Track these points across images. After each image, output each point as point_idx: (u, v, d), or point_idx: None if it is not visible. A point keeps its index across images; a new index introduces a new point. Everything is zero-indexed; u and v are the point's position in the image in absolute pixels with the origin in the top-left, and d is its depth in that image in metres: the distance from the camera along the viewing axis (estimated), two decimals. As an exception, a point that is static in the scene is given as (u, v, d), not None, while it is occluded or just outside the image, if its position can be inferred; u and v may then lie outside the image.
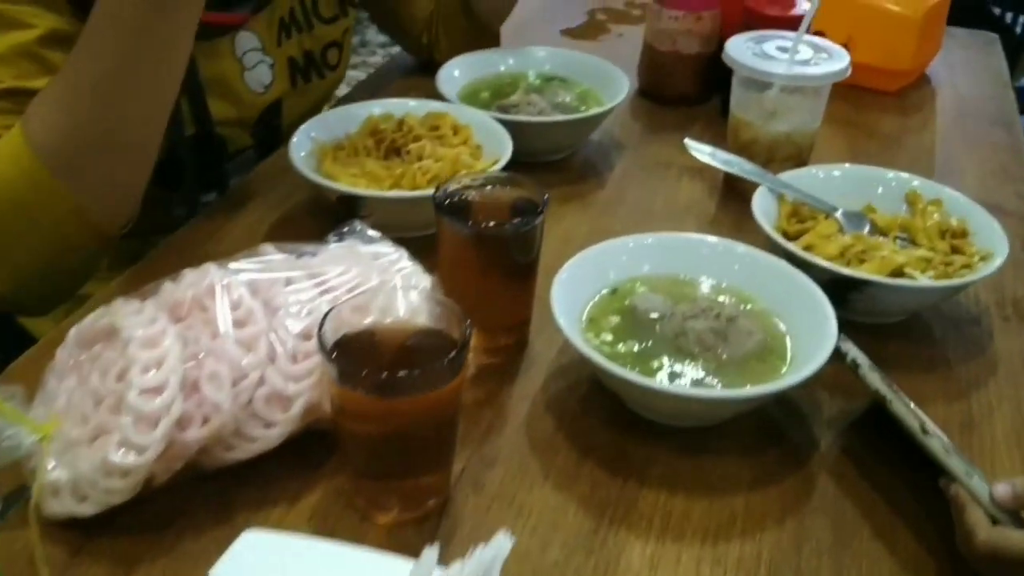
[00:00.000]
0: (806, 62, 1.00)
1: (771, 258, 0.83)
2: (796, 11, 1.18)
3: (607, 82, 1.18)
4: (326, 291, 0.72)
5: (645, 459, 0.73)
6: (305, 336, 0.69)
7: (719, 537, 0.68)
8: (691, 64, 1.26)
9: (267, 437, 0.68)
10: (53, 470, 0.63)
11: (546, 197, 0.79)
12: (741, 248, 0.85)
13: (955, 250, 0.90)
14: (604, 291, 0.83)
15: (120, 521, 0.65)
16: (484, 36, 1.32)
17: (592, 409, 0.78)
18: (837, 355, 0.73)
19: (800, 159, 1.05)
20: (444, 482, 0.69)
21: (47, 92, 0.82)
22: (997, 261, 0.85)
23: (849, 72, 0.99)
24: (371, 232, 0.80)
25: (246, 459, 0.67)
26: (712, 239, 0.87)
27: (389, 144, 1.02)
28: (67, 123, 0.81)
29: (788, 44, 1.02)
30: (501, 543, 0.60)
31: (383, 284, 0.74)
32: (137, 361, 0.64)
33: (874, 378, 0.71)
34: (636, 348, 0.78)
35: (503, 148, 1.00)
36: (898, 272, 0.85)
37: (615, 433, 0.76)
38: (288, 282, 0.72)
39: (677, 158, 1.16)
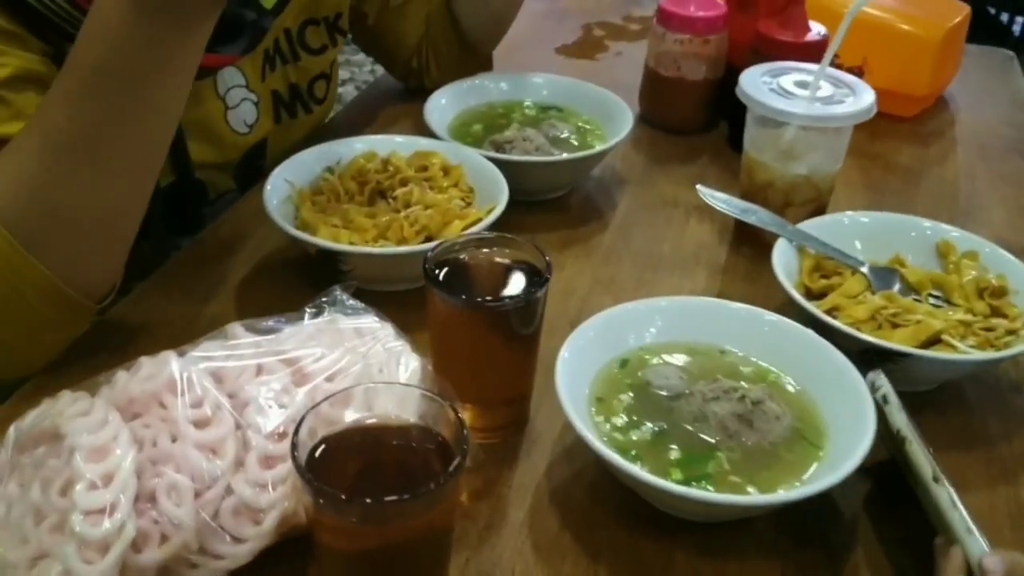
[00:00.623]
0: (828, 99, 0.92)
1: (800, 329, 0.75)
2: (811, 37, 1.09)
3: (608, 113, 1.09)
4: (303, 378, 0.64)
5: (664, 563, 0.65)
6: (278, 435, 0.61)
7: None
8: (697, 91, 1.18)
9: (236, 554, 0.59)
10: (-15, 603, 0.55)
11: (548, 262, 0.71)
12: (766, 316, 0.77)
13: (995, 311, 0.82)
14: (613, 362, 0.75)
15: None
16: (475, 60, 1.23)
17: (601, 499, 0.70)
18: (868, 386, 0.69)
19: (819, 202, 0.97)
20: (437, 601, 0.61)
21: (10, 153, 0.71)
22: (1045, 327, 0.77)
23: (875, 111, 0.91)
24: (352, 302, 0.72)
25: (212, 581, 0.59)
26: (733, 306, 0.79)
27: (373, 187, 0.93)
28: (34, 192, 0.70)
29: (808, 78, 0.94)
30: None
31: (367, 369, 0.65)
32: (83, 475, 0.55)
33: (899, 418, 0.66)
34: (650, 433, 0.70)
35: (498, 192, 0.91)
36: (934, 339, 0.78)
37: (628, 529, 0.68)
38: (259, 370, 0.64)
39: (683, 195, 1.08)
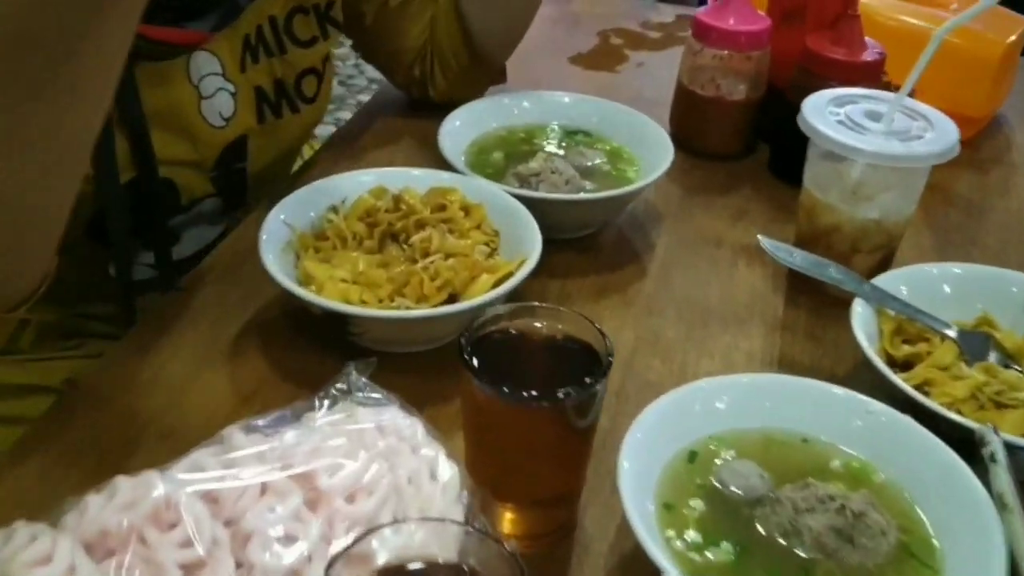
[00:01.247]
0: (905, 134, 0.81)
1: (905, 421, 0.64)
2: (867, 56, 0.98)
3: (641, 138, 0.98)
4: (317, 499, 0.52)
5: None
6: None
7: None
8: (737, 112, 1.06)
9: None
10: None
11: (609, 343, 0.59)
12: (857, 399, 0.66)
13: (1110, 387, 0.71)
14: (680, 456, 0.63)
15: None
16: (487, 71, 1.11)
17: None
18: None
19: (889, 249, 0.85)
20: None
21: None
22: None
23: (958, 150, 0.80)
24: (372, 391, 0.60)
25: None
26: (815, 386, 0.67)
27: (384, 230, 0.81)
28: None
29: (879, 108, 0.83)
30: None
31: (394, 482, 0.53)
32: (42, 650, 0.43)
33: (1004, 481, 0.59)
34: (731, 554, 0.58)
35: (527, 236, 0.80)
36: (1046, 422, 0.67)
37: (705, 667, 0.56)
38: (264, 489, 0.52)
39: (727, 233, 0.96)
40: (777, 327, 0.84)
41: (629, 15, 1.46)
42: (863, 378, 0.78)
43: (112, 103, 0.61)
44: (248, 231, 0.90)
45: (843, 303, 0.83)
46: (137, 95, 0.81)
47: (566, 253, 0.90)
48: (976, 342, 0.74)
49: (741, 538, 0.59)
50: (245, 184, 0.97)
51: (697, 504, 0.61)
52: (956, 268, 0.80)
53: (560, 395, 0.56)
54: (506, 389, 0.56)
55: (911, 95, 0.83)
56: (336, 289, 0.74)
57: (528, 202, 0.84)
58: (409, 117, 1.13)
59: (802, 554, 0.58)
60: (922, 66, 0.79)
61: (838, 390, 0.67)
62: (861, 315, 0.74)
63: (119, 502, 0.49)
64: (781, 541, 0.59)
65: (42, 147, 0.59)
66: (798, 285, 0.88)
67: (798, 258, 0.77)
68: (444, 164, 0.90)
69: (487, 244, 0.82)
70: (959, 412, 0.68)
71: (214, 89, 0.89)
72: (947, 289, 0.79)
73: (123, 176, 0.82)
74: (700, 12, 1.05)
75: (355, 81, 3.29)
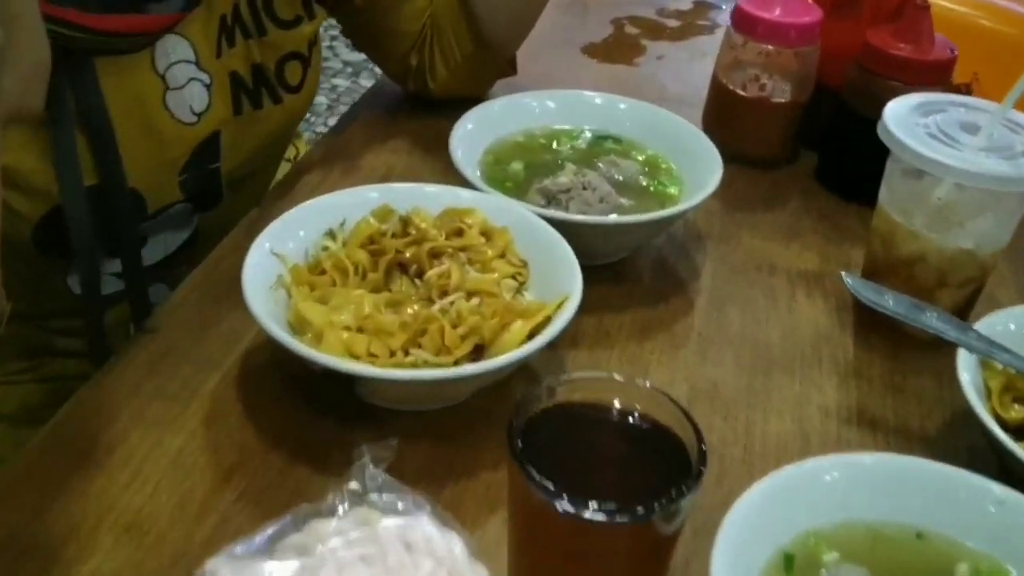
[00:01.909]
0: (1008, 150, 0.68)
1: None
2: (937, 55, 0.86)
3: (682, 146, 0.85)
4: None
5: None
6: None
7: None
8: (783, 115, 0.94)
9: None
10: None
11: (703, 443, 0.46)
12: (986, 488, 0.54)
13: None
14: (775, 560, 0.51)
15: None
16: (494, 62, 0.97)
17: None
18: None
19: (980, 283, 0.73)
20: None
21: None
22: None
23: (1072, 169, 0.68)
24: (397, 497, 0.47)
25: None
26: (933, 468, 0.55)
27: (391, 259, 0.68)
28: None
29: (974, 119, 0.71)
30: None
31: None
32: None
33: None
34: None
35: (562, 269, 0.67)
36: None
37: None
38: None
39: (780, 256, 0.84)
40: (850, 374, 0.72)
41: (643, 1, 1.32)
42: (957, 440, 0.67)
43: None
44: (227, 255, 0.77)
45: (922, 343, 0.71)
46: (98, 93, 0.68)
47: (600, 283, 0.77)
48: (1102, 403, 0.62)
49: (863, 676, 0.47)
50: (219, 186, 0.84)
51: (803, 627, 0.49)
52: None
53: (641, 511, 0.43)
54: (571, 501, 0.43)
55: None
56: (338, 339, 0.60)
57: (559, 225, 0.71)
58: (410, 115, 0.99)
59: None
60: (1037, 70, 0.67)
61: (958, 473, 0.55)
62: (969, 372, 0.62)
63: None
64: None
65: None
66: (866, 320, 0.76)
67: (891, 301, 0.65)
68: (453, 173, 0.77)
69: (514, 277, 0.69)
70: (1097, 494, 0.57)
71: (185, 79, 0.75)
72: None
73: (87, 179, 0.71)
74: (742, 0, 0.92)
75: (329, 64, 3.12)
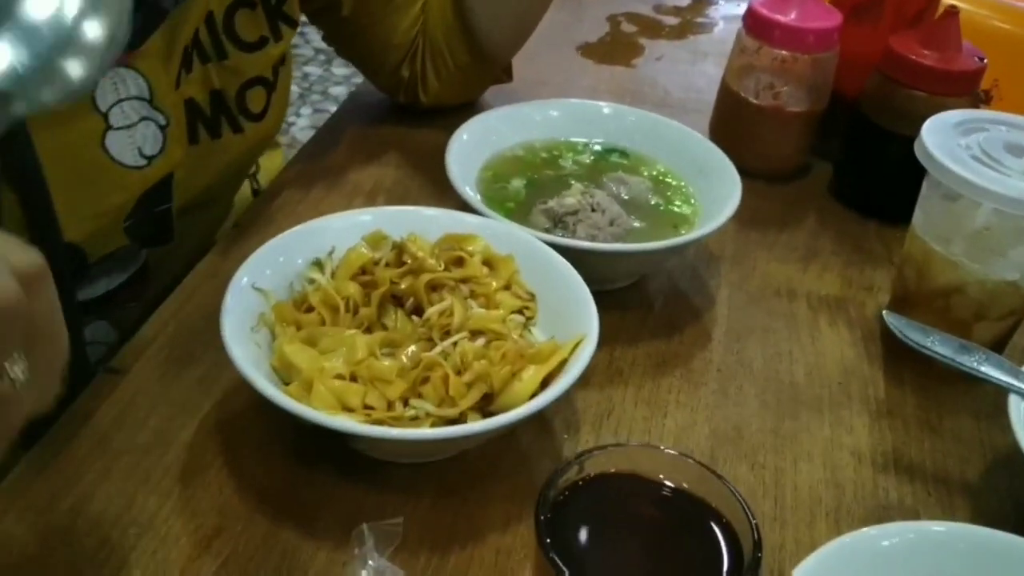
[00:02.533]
0: (1056, 174, 0.63)
1: None
2: (964, 64, 0.80)
3: (694, 161, 0.79)
4: None
5: None
6: None
7: None
8: (798, 125, 0.88)
9: None
10: None
11: (756, 531, 0.40)
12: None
13: None
14: (823, 648, 0.46)
15: None
16: (490, 72, 0.91)
17: None
18: None
19: (1021, 316, 0.68)
20: None
21: None
22: None
23: None
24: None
25: None
26: (991, 537, 0.49)
27: (385, 292, 0.61)
28: None
29: (1023, 140, 0.65)
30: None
31: None
32: None
33: None
34: None
35: (574, 304, 0.61)
36: None
37: None
38: None
39: (799, 280, 0.79)
40: (883, 414, 0.67)
41: (639, -3, 1.26)
42: (1001, 489, 0.62)
43: None
44: (201, 283, 0.70)
45: (954, 378, 0.66)
46: (28, 137, 0.58)
47: (609, 311, 0.71)
48: None
49: None
50: (170, 226, 0.73)
51: None
52: None
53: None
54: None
55: None
56: (329, 389, 0.54)
57: (566, 251, 0.65)
58: (398, 123, 0.92)
59: None
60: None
61: (1015, 541, 0.49)
62: (1020, 417, 0.56)
63: None
64: None
65: None
66: (895, 350, 0.71)
67: (937, 343, 0.60)
68: (447, 188, 0.71)
69: (521, 311, 0.63)
70: None
71: (135, 118, 0.66)
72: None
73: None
74: (756, 1, 0.86)
75: (300, 51, 3.03)
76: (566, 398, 0.64)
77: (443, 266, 0.63)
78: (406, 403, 0.55)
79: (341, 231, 0.65)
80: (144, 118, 0.66)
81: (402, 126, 0.91)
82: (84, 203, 0.65)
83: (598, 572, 0.39)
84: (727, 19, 1.24)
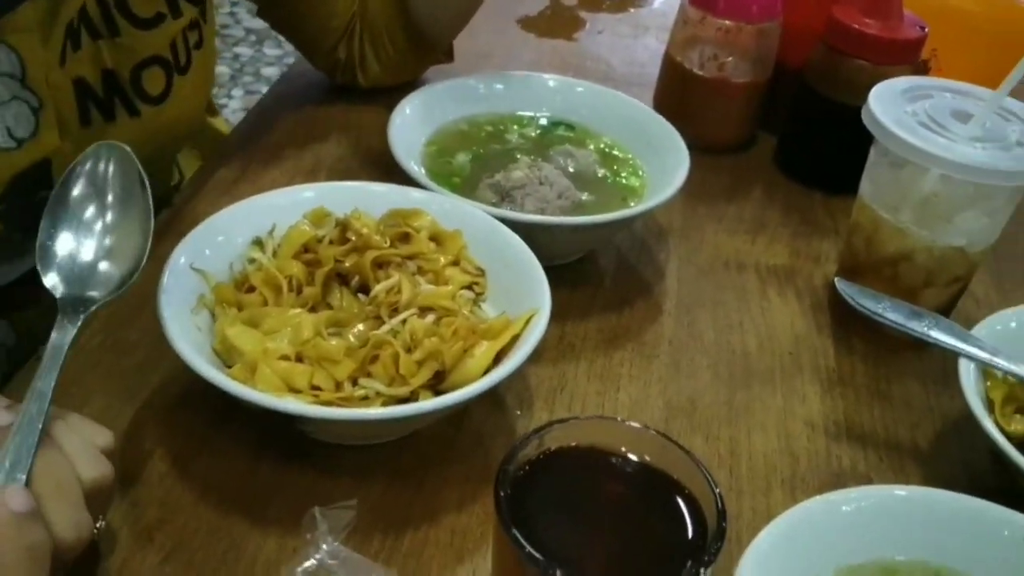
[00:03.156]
0: (1003, 140, 0.63)
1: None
2: (907, 33, 0.81)
3: (641, 133, 0.78)
4: None
5: None
6: None
7: None
8: (743, 97, 0.88)
9: None
10: None
11: (720, 502, 0.39)
12: (1006, 518, 0.48)
13: None
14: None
15: None
16: (430, 54, 0.89)
17: None
18: None
19: (967, 281, 0.69)
20: None
21: None
22: None
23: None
24: (360, 572, 0.39)
25: None
26: (945, 498, 0.49)
27: (330, 271, 0.60)
28: None
29: (969, 107, 0.65)
30: None
31: None
32: None
33: None
34: None
35: (525, 278, 0.60)
36: None
37: None
38: None
39: (748, 252, 0.78)
40: (834, 382, 0.67)
41: (577, -30, 1.25)
42: (952, 453, 0.62)
43: None
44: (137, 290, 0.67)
45: (904, 343, 0.66)
46: None
47: (558, 288, 0.69)
48: (1109, 412, 0.58)
49: None
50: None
51: None
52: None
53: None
54: (565, 563, 0.36)
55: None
56: (274, 371, 0.52)
57: (514, 226, 0.63)
58: (339, 97, 0.90)
59: None
60: (1035, 56, 0.62)
61: (973, 503, 0.49)
62: (973, 382, 0.57)
63: None
64: None
65: None
66: (844, 319, 0.71)
67: (888, 310, 0.60)
68: (390, 164, 0.69)
69: (471, 287, 0.61)
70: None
71: (6, 96, 0.61)
72: None
73: None
74: (698, -28, 0.85)
75: (230, 31, 2.96)
76: (519, 374, 0.63)
77: (389, 243, 0.62)
78: (355, 383, 0.53)
79: (282, 208, 0.62)
80: (15, 97, 0.62)
81: (341, 104, 0.89)
82: None
83: (560, 547, 0.38)
84: (669, -7, 1.23)
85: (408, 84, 0.88)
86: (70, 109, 0.66)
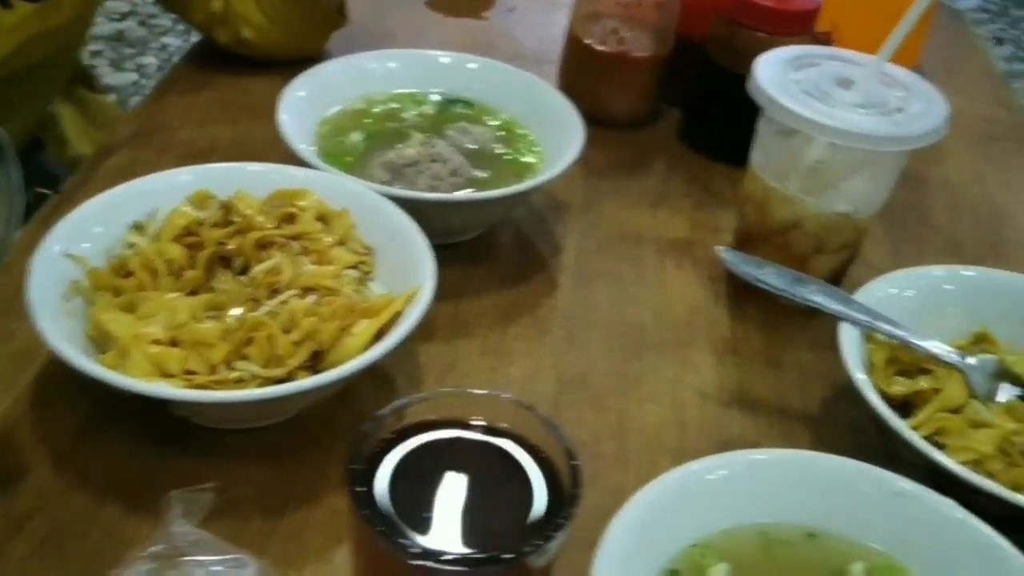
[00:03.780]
0: (884, 106, 0.64)
1: (945, 507, 0.48)
2: (802, 4, 0.81)
3: (538, 108, 0.78)
4: None
5: None
6: None
7: None
8: (644, 71, 0.88)
9: None
10: None
11: (576, 464, 0.39)
12: (880, 479, 0.49)
13: None
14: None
15: None
16: (322, 11, 0.86)
17: None
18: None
19: (856, 247, 0.70)
20: None
21: None
22: None
23: (947, 130, 0.64)
24: (213, 555, 0.39)
25: None
26: (821, 461, 0.50)
27: (212, 253, 0.59)
28: None
29: (852, 74, 0.66)
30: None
31: None
32: None
33: None
34: None
35: (412, 255, 0.59)
36: (1093, 480, 0.53)
37: None
38: None
39: (647, 225, 0.79)
40: (727, 351, 0.67)
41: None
42: (840, 418, 0.63)
43: None
44: (18, 258, 0.66)
45: (798, 312, 0.67)
46: None
47: (454, 265, 0.70)
48: (987, 372, 0.59)
49: None
50: None
51: (695, 659, 0.43)
52: (967, 271, 0.65)
53: (508, 557, 0.36)
54: (423, 551, 0.36)
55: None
56: (147, 356, 0.51)
57: (406, 204, 0.63)
58: (237, 82, 0.89)
59: None
60: (911, 21, 0.63)
61: (849, 465, 0.50)
62: (854, 346, 0.58)
63: None
64: None
65: None
66: (741, 289, 0.71)
67: (771, 276, 0.60)
68: (286, 151, 0.68)
69: (358, 267, 0.61)
70: (987, 473, 0.54)
71: None
72: (938, 298, 0.64)
73: None
74: (596, -54, 0.85)
75: (158, 21, 2.90)
76: (408, 354, 0.63)
77: (274, 223, 0.61)
78: (231, 366, 0.53)
79: (161, 192, 0.61)
80: None
81: (242, 85, 0.88)
82: None
83: (416, 521, 0.37)
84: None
85: (308, 62, 0.87)
86: None
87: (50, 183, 0.81)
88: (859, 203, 0.66)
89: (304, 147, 0.68)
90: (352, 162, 0.71)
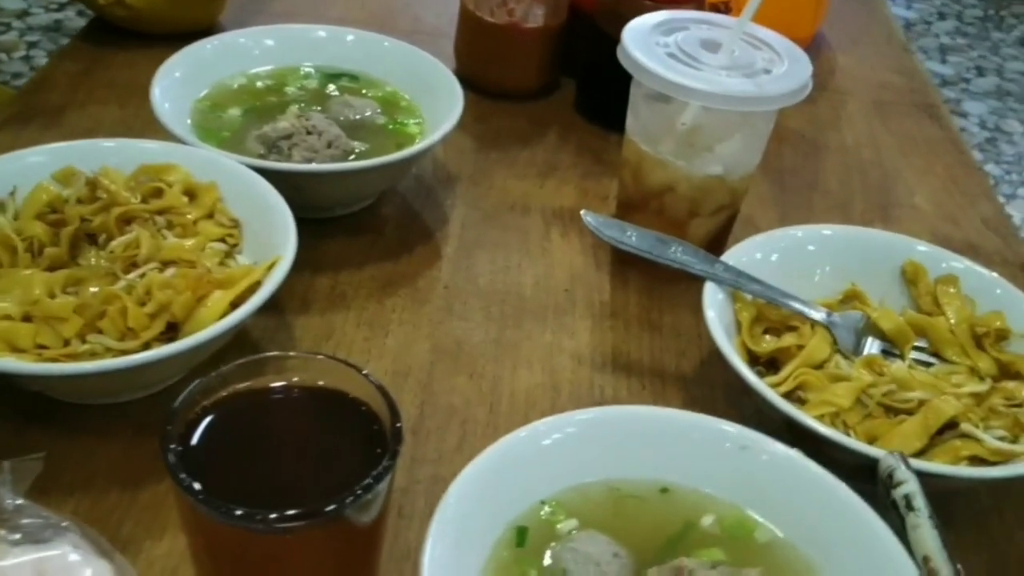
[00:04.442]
0: (750, 68, 0.65)
1: (794, 460, 0.48)
2: (687, -29, 0.82)
3: (422, 80, 0.77)
4: None
5: None
6: None
7: None
8: (535, 42, 0.88)
9: None
10: None
11: (392, 401, 0.40)
12: (730, 433, 0.50)
13: (1004, 369, 0.59)
14: (505, 537, 0.46)
15: None
16: None
17: None
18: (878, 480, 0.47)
19: (733, 209, 0.70)
20: None
21: None
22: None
23: (810, 88, 0.65)
24: (34, 518, 0.38)
25: None
26: (673, 416, 0.51)
27: (76, 230, 0.58)
28: None
29: (716, 36, 0.66)
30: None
31: None
32: None
33: (929, 538, 0.44)
34: None
35: (277, 226, 0.59)
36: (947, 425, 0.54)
37: None
38: None
39: (535, 195, 0.79)
40: (606, 316, 0.68)
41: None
42: (714, 378, 0.64)
43: None
44: None
45: (678, 277, 0.67)
46: None
47: (336, 238, 0.70)
48: (851, 327, 0.60)
49: (600, 659, 0.42)
50: None
51: (535, 611, 0.44)
52: (827, 230, 0.66)
53: (329, 509, 0.36)
54: (241, 513, 0.36)
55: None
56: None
57: (280, 176, 0.62)
58: (125, 61, 0.87)
59: (683, 669, 0.42)
60: (768, -18, 0.63)
61: (698, 419, 0.51)
62: (717, 305, 0.58)
63: None
64: (654, 654, 0.42)
65: None
66: (622, 256, 0.72)
67: (634, 238, 0.61)
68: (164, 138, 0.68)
69: (224, 240, 0.60)
70: (845, 425, 0.55)
71: None
72: (805, 258, 0.65)
73: None
74: (484, -82, 0.85)
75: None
76: (284, 326, 0.63)
77: (140, 198, 0.60)
78: (84, 340, 0.52)
79: (21, 170, 0.60)
80: None
81: (129, 64, 0.86)
82: None
83: (234, 484, 0.37)
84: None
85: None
86: None
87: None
88: (731, 165, 0.66)
89: (178, 122, 0.67)
90: (228, 136, 0.71)
